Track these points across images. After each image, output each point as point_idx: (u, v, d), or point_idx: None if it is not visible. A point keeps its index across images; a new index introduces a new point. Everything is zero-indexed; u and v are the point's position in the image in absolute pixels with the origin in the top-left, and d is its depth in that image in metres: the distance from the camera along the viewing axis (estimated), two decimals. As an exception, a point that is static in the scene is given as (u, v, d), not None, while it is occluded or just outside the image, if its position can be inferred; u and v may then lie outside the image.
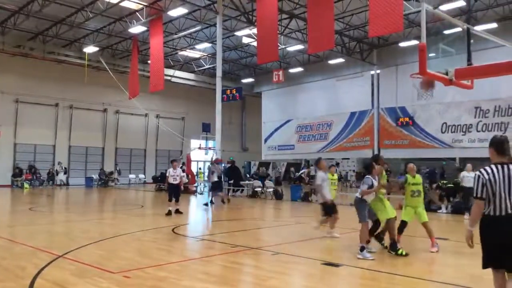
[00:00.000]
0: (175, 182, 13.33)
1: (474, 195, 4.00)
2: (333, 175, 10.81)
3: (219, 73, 21.70)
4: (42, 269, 6.09)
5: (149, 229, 10.54)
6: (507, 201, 3.88)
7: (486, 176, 3.96)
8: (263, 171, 27.84)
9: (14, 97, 27.97)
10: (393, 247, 7.54)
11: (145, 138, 34.61)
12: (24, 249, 7.63)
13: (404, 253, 7.42)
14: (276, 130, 32.14)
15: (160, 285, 5.48)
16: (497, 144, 4.06)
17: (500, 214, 3.88)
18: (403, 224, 7.97)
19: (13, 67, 27.35)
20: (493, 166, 3.99)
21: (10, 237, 9.12)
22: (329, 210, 9.36)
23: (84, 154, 31.25)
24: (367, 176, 7.48)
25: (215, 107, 21.36)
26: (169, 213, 13.07)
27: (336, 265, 6.65)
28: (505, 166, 3.96)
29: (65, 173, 29.63)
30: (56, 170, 29.32)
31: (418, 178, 8.13)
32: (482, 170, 4.00)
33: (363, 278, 6.07)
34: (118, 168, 31.95)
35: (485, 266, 4.01)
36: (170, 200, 13.35)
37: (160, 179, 27.98)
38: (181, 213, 13.46)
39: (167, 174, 13.70)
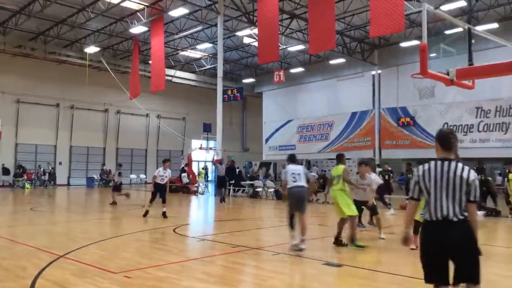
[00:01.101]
0: (162, 183, 12.61)
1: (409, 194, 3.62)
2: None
3: (220, 73, 21.72)
4: (43, 269, 6.09)
5: (149, 229, 10.55)
6: (443, 202, 3.34)
7: (420, 173, 3.51)
8: (252, 171, 27.89)
9: (15, 97, 28.03)
10: (353, 241, 7.89)
11: (146, 138, 34.65)
12: (25, 249, 7.63)
13: (362, 244, 7.86)
14: (277, 130, 32.16)
15: (161, 285, 5.48)
16: (441, 138, 3.55)
17: (436, 218, 3.36)
18: (418, 224, 7.86)
19: (14, 67, 27.40)
20: (432, 162, 3.48)
21: (11, 237, 9.13)
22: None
23: (85, 154, 31.29)
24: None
25: (216, 107, 21.39)
26: (146, 214, 12.36)
27: (337, 265, 6.65)
28: (446, 163, 3.41)
29: (38, 173, 28.81)
30: (44, 170, 28.82)
31: None
32: (419, 166, 3.62)
33: (364, 278, 6.06)
34: (104, 168, 30.84)
35: (427, 280, 3.49)
36: (152, 202, 12.51)
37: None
38: (166, 217, 12.25)
39: (155, 174, 12.81)
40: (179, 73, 33.17)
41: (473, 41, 9.71)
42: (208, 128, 28.81)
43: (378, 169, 19.50)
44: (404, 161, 24.25)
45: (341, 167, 8.28)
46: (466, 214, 3.32)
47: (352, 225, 7.97)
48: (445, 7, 18.60)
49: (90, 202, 20.31)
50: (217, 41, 22.72)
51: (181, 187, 24.58)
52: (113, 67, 28.42)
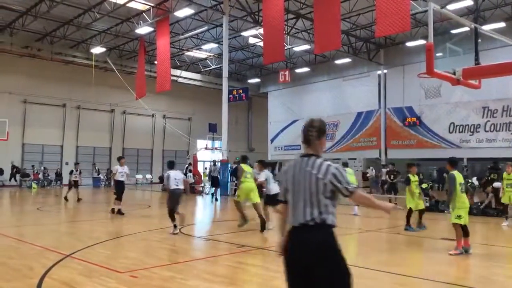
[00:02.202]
0: (122, 179, 12.97)
1: None
2: (414, 176, 10.52)
3: (225, 73, 21.75)
4: (50, 268, 6.12)
5: (155, 229, 10.57)
6: (300, 205, 2.84)
7: (282, 173, 3.08)
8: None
9: (22, 97, 28.22)
10: (262, 227, 9.52)
11: (152, 138, 34.77)
12: (32, 249, 7.69)
13: (261, 229, 9.46)
14: (282, 130, 32.15)
15: (167, 285, 5.50)
16: (302, 131, 3.07)
17: (294, 223, 2.86)
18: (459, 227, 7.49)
19: (21, 67, 27.60)
20: (292, 160, 3.06)
21: (18, 236, 9.20)
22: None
23: (92, 154, 31.42)
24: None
25: (222, 107, 21.41)
26: (113, 211, 12.92)
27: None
28: (305, 159, 2.95)
29: (44, 173, 28.63)
30: (36, 170, 28.35)
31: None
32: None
33: (366, 278, 6.03)
34: (96, 168, 30.02)
35: None
36: (119, 199, 12.93)
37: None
38: (122, 214, 12.84)
39: (114, 172, 13.18)
40: (185, 73, 33.24)
41: (479, 40, 9.67)
42: (213, 128, 28.86)
43: (383, 169, 19.40)
44: (408, 161, 24.17)
45: (248, 167, 10.12)
46: (325, 217, 2.79)
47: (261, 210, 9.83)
48: (452, 7, 18.49)
49: (96, 202, 20.40)
50: (222, 41, 22.75)
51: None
52: (119, 68, 28.53)
